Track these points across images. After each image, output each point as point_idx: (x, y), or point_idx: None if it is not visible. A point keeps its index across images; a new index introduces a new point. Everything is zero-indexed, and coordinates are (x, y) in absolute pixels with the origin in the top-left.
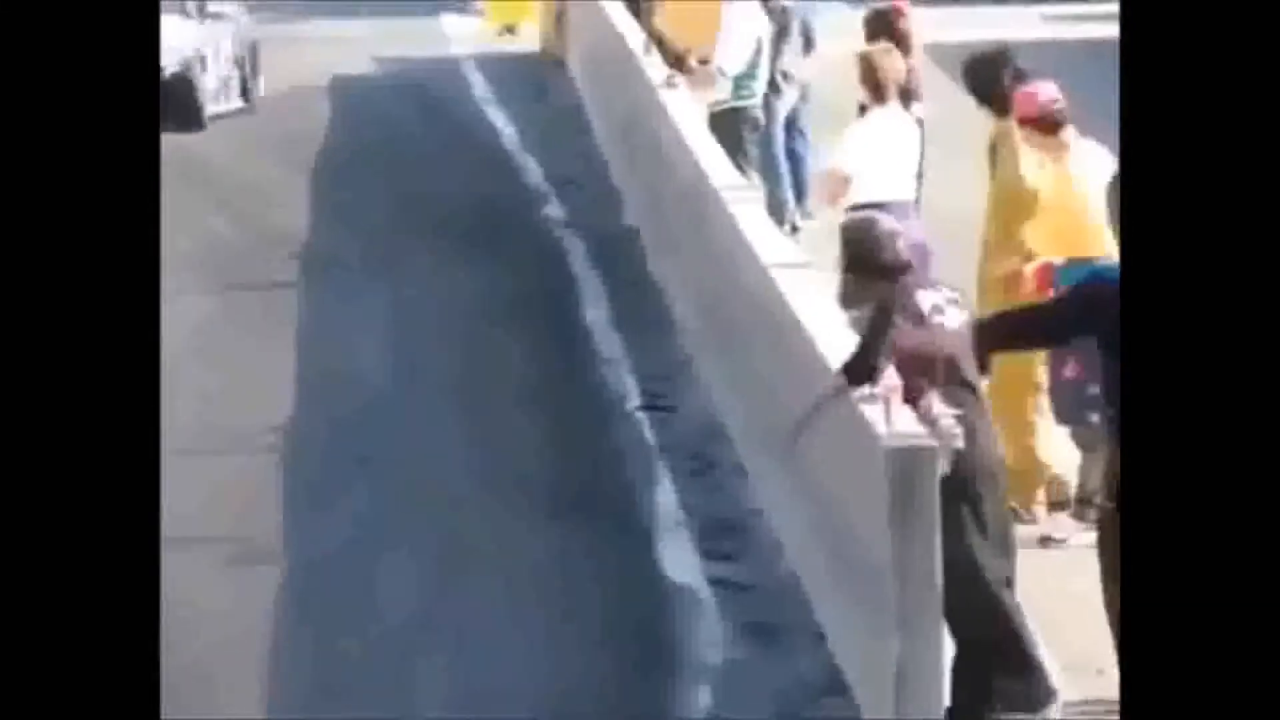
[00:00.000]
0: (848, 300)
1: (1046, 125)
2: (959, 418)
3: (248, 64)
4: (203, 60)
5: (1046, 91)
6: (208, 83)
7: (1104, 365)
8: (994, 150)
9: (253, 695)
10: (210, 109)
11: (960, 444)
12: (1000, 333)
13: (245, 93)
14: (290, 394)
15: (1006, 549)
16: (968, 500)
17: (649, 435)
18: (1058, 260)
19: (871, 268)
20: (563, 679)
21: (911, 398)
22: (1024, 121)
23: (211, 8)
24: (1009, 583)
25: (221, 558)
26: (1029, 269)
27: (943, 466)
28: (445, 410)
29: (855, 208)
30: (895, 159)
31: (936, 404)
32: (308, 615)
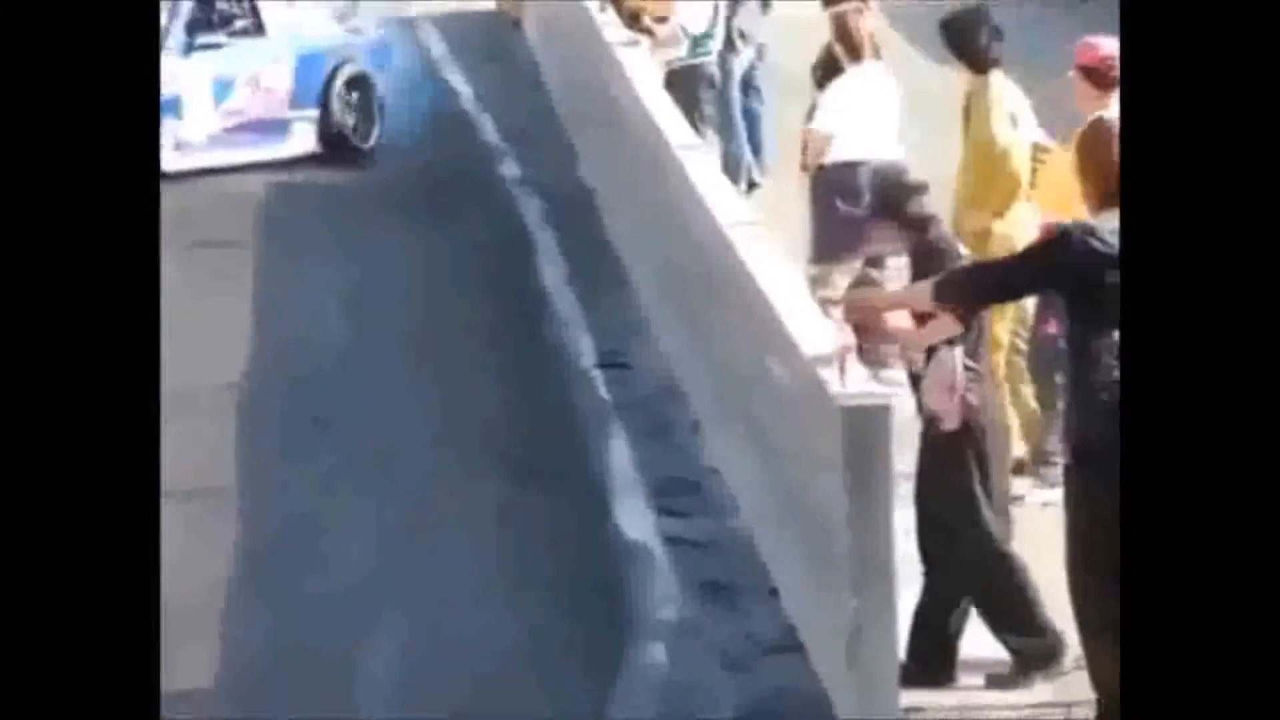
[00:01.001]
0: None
1: (1098, 79)
2: (976, 374)
3: (341, 102)
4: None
5: (1108, 46)
6: (184, 130)
7: (1068, 322)
8: (967, 107)
9: (209, 652)
10: (200, 159)
11: (974, 400)
12: (960, 287)
13: (327, 136)
14: (246, 353)
15: (1007, 509)
16: (978, 458)
17: (605, 393)
18: (1066, 220)
19: (899, 216)
20: (518, 636)
21: (926, 349)
22: (1079, 68)
23: (204, 39)
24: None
25: (179, 514)
26: (996, 225)
27: (952, 422)
28: (401, 370)
29: (836, 166)
30: (875, 117)
31: (958, 357)
32: (263, 574)
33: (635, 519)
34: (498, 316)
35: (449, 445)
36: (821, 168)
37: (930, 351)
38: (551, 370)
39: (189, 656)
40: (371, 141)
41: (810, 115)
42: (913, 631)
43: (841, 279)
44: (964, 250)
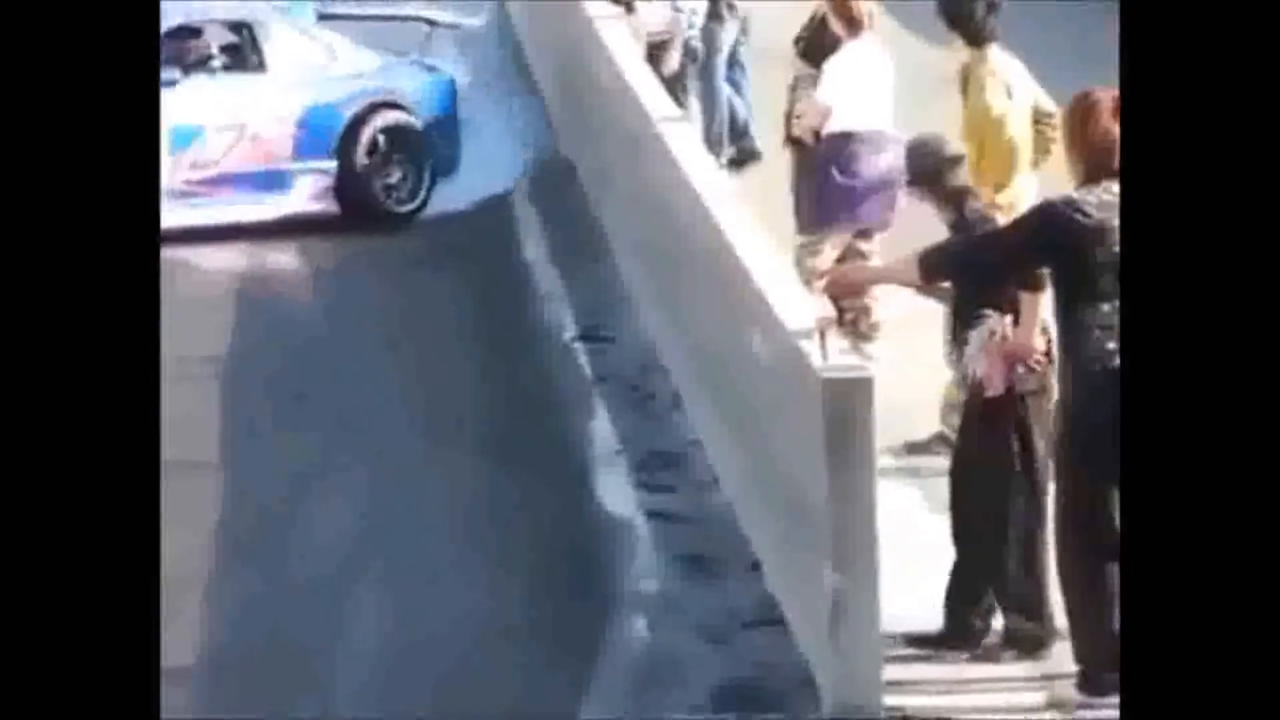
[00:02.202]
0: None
1: None
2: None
3: (371, 155)
4: None
5: None
6: None
7: (1055, 300)
8: (965, 81)
9: (189, 629)
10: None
11: (1019, 367)
12: (945, 262)
13: (348, 194)
14: (229, 328)
15: (1047, 483)
16: (1019, 427)
17: (586, 366)
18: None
19: (936, 188)
20: (499, 611)
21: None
22: None
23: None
24: None
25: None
26: (999, 198)
27: (996, 388)
28: (382, 345)
29: (832, 137)
30: (872, 90)
31: (1006, 323)
32: (243, 551)
33: (616, 493)
34: (479, 291)
35: (430, 420)
36: (817, 138)
37: (975, 318)
38: (533, 344)
39: (167, 632)
40: (415, 203)
41: (795, 88)
42: (947, 602)
43: (831, 250)
44: (1002, 222)
